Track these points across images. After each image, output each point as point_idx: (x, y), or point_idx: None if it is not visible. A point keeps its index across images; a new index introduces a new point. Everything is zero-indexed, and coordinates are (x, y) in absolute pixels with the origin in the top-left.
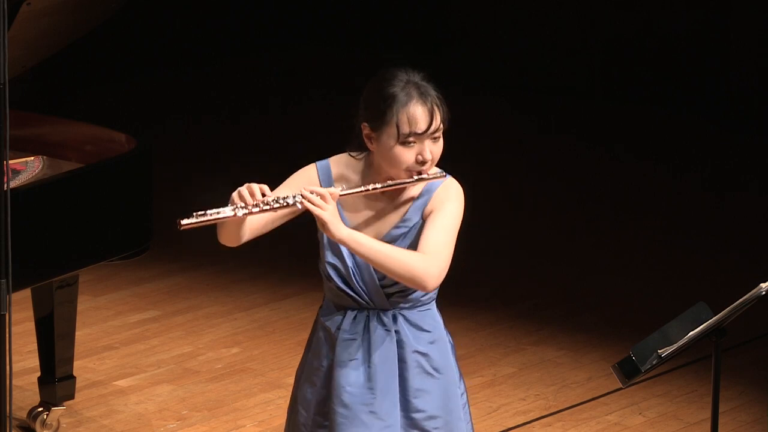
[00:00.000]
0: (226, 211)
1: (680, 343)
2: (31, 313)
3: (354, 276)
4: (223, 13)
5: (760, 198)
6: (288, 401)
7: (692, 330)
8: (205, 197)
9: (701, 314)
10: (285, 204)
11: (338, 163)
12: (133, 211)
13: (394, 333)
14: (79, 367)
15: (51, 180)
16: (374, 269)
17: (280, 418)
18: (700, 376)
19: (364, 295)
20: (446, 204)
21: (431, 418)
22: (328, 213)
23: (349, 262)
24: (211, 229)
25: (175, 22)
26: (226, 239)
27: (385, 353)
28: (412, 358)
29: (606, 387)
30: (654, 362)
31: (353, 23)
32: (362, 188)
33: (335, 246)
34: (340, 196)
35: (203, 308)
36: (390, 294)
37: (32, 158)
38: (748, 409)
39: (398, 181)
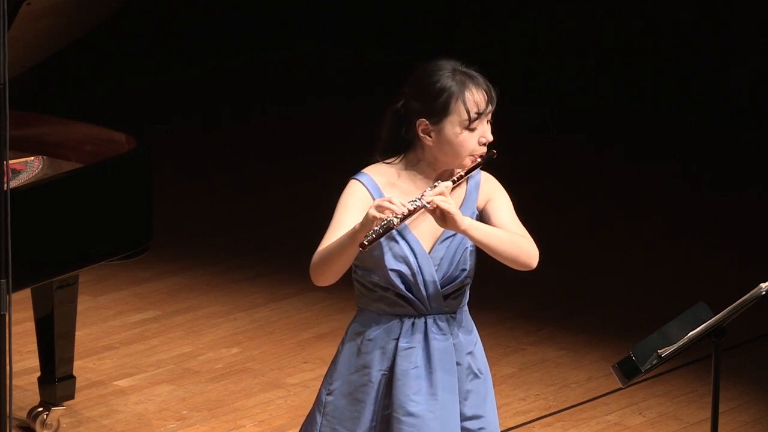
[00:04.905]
0: (389, 223)
1: (680, 343)
2: (31, 313)
3: (418, 279)
4: (223, 13)
5: (760, 198)
6: (288, 402)
7: (692, 330)
8: (206, 198)
9: (701, 314)
10: (416, 208)
11: (376, 172)
12: (133, 212)
13: (450, 336)
14: (79, 367)
15: (51, 180)
16: (435, 271)
17: (280, 418)
18: (700, 376)
19: (425, 300)
20: (499, 192)
21: (476, 417)
22: (453, 206)
23: (414, 264)
24: (210, 229)
25: (175, 22)
26: (336, 274)
27: (445, 358)
28: (465, 361)
29: (606, 387)
30: (654, 362)
31: (354, 23)
32: (455, 178)
33: (399, 251)
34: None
35: (203, 308)
36: (446, 296)
37: (32, 158)
38: (748, 409)
39: (473, 165)
